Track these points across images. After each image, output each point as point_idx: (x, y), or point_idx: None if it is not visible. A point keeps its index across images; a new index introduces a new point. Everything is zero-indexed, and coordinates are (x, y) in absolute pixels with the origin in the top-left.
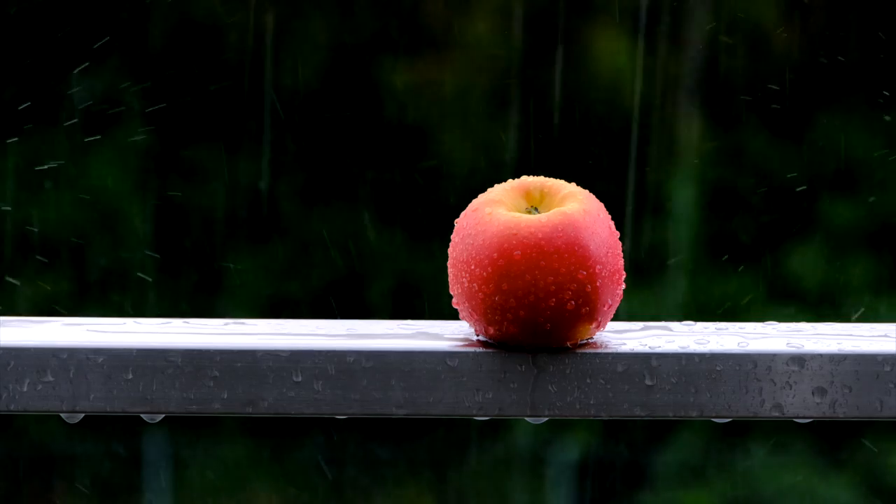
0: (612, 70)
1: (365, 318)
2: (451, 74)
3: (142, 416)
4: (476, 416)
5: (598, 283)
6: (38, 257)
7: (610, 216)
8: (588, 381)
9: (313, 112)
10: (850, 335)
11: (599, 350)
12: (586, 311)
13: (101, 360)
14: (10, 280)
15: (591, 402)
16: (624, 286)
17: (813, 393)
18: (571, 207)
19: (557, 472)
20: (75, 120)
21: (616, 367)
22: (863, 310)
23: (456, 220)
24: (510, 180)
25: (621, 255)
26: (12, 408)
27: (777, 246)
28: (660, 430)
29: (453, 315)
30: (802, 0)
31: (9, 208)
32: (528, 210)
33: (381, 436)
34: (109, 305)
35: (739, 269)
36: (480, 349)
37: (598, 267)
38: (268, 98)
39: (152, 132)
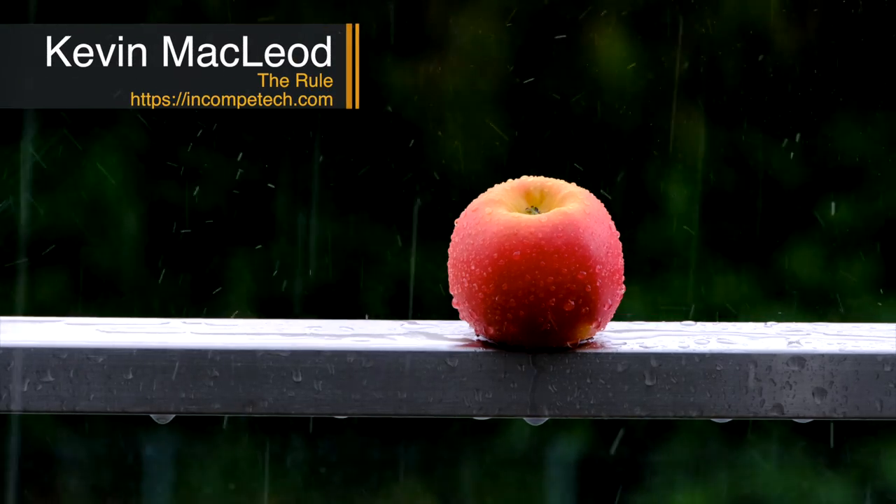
0: (612, 70)
1: (364, 319)
2: (451, 74)
3: (151, 416)
4: (476, 416)
5: (598, 283)
6: (38, 258)
7: (610, 216)
8: (588, 381)
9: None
10: (850, 335)
11: (599, 350)
12: (586, 311)
13: (101, 360)
14: (10, 280)
15: (591, 402)
16: (624, 287)
17: (813, 393)
18: (571, 207)
19: (556, 472)
20: (73, 118)
21: (616, 367)
22: (863, 310)
23: (456, 220)
24: (510, 180)
25: (621, 255)
26: (12, 408)
27: (777, 246)
28: (659, 430)
29: (453, 315)
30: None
31: (8, 208)
32: (528, 210)
33: (381, 435)
34: (109, 306)
35: (739, 269)
36: (480, 349)
37: (598, 267)
38: None
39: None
